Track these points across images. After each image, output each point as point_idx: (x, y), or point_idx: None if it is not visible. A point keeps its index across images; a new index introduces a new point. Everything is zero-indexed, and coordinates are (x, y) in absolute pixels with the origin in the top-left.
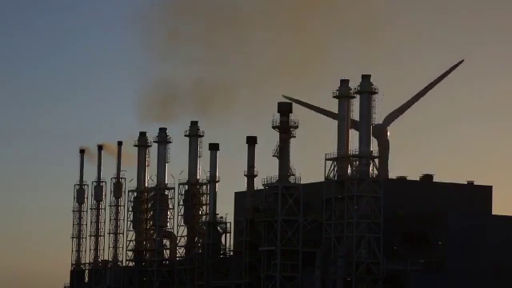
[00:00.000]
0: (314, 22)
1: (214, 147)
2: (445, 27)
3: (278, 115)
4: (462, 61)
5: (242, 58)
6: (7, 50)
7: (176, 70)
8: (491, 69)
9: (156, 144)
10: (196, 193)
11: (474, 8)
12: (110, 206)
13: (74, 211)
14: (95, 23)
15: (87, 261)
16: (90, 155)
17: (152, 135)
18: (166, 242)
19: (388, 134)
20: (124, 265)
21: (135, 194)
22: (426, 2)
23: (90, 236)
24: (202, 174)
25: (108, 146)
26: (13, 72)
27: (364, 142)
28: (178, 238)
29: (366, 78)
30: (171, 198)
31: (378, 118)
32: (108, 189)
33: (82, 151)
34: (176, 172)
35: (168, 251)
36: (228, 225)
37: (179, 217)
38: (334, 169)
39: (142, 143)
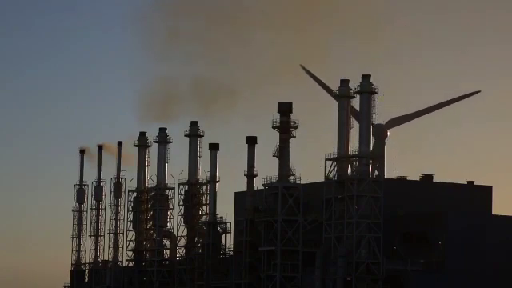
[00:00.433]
0: (314, 22)
1: (213, 147)
2: (445, 27)
3: (277, 115)
4: (479, 91)
5: (242, 58)
6: (7, 50)
7: (176, 69)
8: (491, 69)
9: (156, 144)
10: (196, 193)
11: (474, 8)
12: (110, 206)
13: (73, 211)
14: (95, 23)
15: (87, 261)
16: (89, 155)
17: (152, 135)
18: (166, 241)
19: (388, 134)
20: (124, 265)
21: (135, 193)
22: (426, 1)
23: (90, 236)
24: (202, 173)
25: (108, 146)
26: (13, 72)
27: (364, 142)
28: (178, 238)
29: (365, 77)
30: (171, 198)
31: (377, 118)
32: (108, 189)
33: (82, 151)
34: (176, 172)
35: (168, 251)
36: (228, 225)
37: (179, 217)
38: (334, 169)
39: (142, 143)
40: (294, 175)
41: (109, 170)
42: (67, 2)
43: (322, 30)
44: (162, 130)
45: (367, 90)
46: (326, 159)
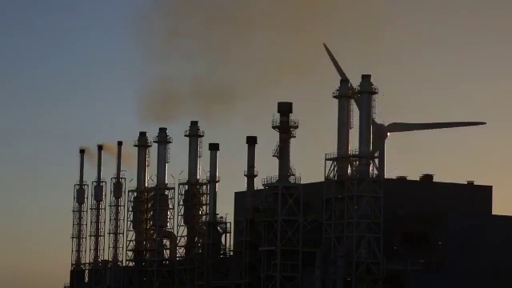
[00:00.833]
0: (314, 22)
1: (213, 147)
2: (445, 27)
3: (277, 115)
4: (484, 123)
5: (242, 58)
6: (7, 50)
7: (176, 69)
8: (491, 69)
9: (156, 144)
10: (196, 193)
11: (474, 8)
12: (110, 206)
13: (73, 211)
14: (95, 23)
15: (87, 261)
16: (89, 155)
17: (152, 135)
18: (166, 242)
19: (388, 134)
20: (124, 265)
21: (135, 194)
22: (426, 2)
23: (90, 236)
24: (202, 174)
25: (108, 146)
26: (13, 72)
27: (364, 141)
28: (178, 238)
29: (366, 77)
30: (171, 198)
31: (377, 117)
32: (108, 189)
33: (82, 151)
34: (176, 172)
35: (168, 251)
36: (228, 225)
37: (179, 217)
38: (333, 169)
39: (142, 143)
40: (294, 175)
41: (109, 170)
42: (67, 2)
43: (321, 29)
44: (162, 130)
45: (367, 90)
46: (326, 159)
